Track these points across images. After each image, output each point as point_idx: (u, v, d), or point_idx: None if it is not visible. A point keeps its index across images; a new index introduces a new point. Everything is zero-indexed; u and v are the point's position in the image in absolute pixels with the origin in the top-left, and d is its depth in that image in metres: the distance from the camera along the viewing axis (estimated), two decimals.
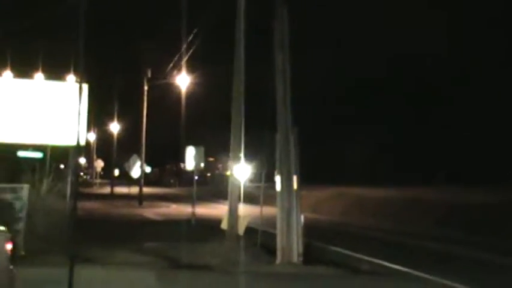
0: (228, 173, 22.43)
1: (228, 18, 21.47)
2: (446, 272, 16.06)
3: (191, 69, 44.30)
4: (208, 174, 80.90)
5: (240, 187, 21.48)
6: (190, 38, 29.11)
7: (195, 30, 28.36)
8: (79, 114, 11.60)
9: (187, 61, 42.41)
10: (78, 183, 20.55)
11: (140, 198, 46.17)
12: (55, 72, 19.09)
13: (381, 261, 18.28)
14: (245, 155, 20.47)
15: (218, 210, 35.66)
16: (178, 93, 46.49)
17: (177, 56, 36.16)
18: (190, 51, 30.99)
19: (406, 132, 55.44)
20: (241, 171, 22.36)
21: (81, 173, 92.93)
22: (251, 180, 30.65)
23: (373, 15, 53.19)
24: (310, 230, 18.99)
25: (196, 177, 29.05)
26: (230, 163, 21.55)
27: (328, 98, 58.89)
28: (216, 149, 52.57)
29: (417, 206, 34.23)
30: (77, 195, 9.95)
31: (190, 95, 47.95)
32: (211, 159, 75.56)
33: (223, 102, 21.52)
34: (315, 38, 54.13)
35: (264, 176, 19.50)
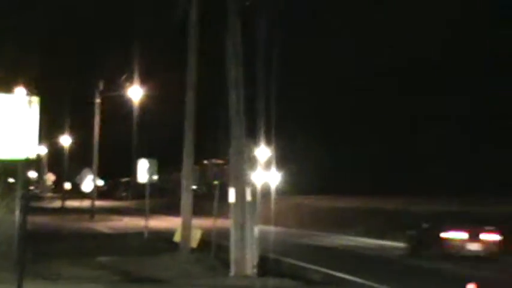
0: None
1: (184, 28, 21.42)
2: (393, 280, 16.43)
3: (145, 81, 44.06)
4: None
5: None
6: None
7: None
8: (30, 126, 11.38)
9: (140, 73, 42.23)
10: (28, 197, 20.19)
11: (92, 211, 45.62)
12: (1, 85, 18.71)
13: (332, 272, 18.39)
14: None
15: (173, 222, 35.43)
16: (132, 106, 46.27)
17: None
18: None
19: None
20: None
21: (31, 187, 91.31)
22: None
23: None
24: (266, 242, 18.98)
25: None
26: (184, 173, 21.37)
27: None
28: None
29: (375, 216, 34.80)
30: (27, 210, 9.71)
31: (146, 107, 47.72)
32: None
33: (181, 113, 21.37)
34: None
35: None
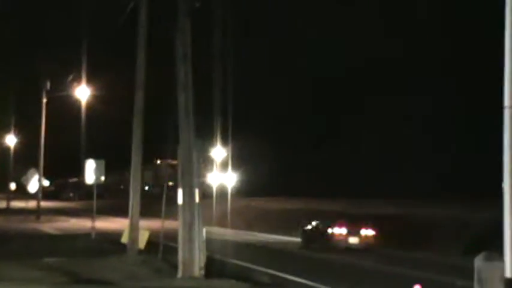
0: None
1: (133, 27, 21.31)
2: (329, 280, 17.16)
3: (92, 80, 43.62)
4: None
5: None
6: None
7: None
8: None
9: (88, 73, 41.79)
10: None
11: (38, 212, 44.97)
12: None
13: (279, 273, 18.66)
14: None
15: (122, 224, 35.20)
16: (80, 105, 45.75)
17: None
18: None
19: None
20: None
21: None
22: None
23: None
24: (214, 243, 18.99)
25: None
26: (132, 173, 21.19)
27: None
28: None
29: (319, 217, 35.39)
30: None
31: (95, 106, 47.24)
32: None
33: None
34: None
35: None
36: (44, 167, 47.31)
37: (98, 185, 27.04)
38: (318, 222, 28.19)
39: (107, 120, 60.61)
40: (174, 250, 17.16)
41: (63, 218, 47.73)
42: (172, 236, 18.31)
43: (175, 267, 16.74)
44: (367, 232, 26.86)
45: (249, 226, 39.04)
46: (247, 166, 50.59)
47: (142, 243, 21.00)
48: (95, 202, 27.89)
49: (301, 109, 59.86)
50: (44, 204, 50.45)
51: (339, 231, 26.85)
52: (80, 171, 47.40)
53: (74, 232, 32.94)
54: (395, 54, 49.80)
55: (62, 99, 47.62)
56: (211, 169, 49.34)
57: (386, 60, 50.59)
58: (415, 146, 49.01)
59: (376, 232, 26.96)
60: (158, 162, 71.50)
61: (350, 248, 26.19)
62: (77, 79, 42.89)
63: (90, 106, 46.74)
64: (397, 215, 31.87)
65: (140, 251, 20.66)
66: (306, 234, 28.64)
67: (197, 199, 16.60)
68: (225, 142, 43.35)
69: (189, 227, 16.41)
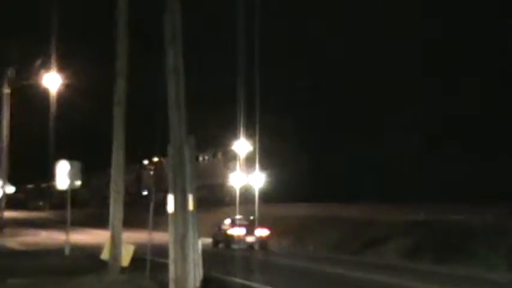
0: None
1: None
2: None
3: (67, 66, 43.22)
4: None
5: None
6: None
7: None
8: None
9: (61, 57, 41.42)
10: None
11: (0, 224, 44.69)
12: None
13: None
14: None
15: (102, 236, 35.06)
16: (49, 98, 45.39)
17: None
18: None
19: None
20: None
21: None
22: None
23: None
24: (210, 258, 18.79)
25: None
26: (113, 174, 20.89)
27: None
28: None
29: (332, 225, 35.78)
30: None
31: (71, 98, 46.86)
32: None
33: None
34: None
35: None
36: (9, 171, 46.98)
37: (79, 191, 26.69)
38: (222, 224, 36.95)
39: (91, 114, 60.41)
40: (165, 266, 16.89)
41: (32, 230, 47.60)
42: (163, 251, 18.07)
43: (165, 286, 16.45)
44: (262, 232, 35.69)
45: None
46: (276, 165, 50.27)
47: (126, 260, 20.71)
48: (69, 211, 27.66)
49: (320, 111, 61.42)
50: (9, 214, 50.24)
51: (238, 231, 35.56)
52: (52, 174, 47.08)
53: (44, 247, 32.82)
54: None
55: (29, 90, 47.18)
56: (234, 168, 48.65)
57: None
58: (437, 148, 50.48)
59: (270, 231, 35.97)
60: (157, 159, 69.24)
61: (247, 246, 34.81)
62: (47, 65, 42.40)
63: (66, 98, 46.22)
64: (427, 222, 32.04)
65: (124, 269, 20.40)
66: (214, 235, 37.40)
67: (191, 207, 16.30)
68: (252, 135, 43.28)
69: (182, 239, 16.11)
